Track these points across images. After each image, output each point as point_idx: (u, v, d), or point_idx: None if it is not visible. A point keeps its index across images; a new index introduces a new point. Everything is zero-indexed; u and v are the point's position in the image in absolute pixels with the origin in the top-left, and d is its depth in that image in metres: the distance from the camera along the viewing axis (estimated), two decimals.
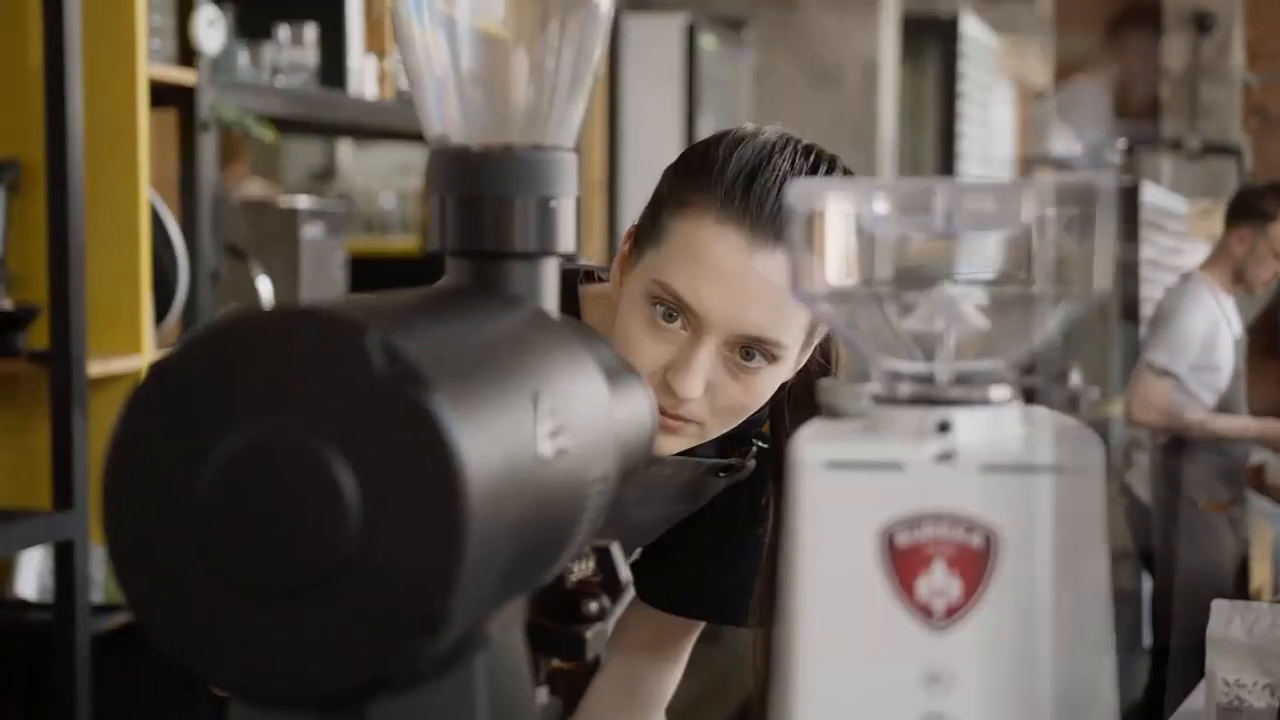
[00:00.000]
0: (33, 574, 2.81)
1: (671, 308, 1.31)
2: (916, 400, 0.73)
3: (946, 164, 7.94)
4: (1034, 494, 0.70)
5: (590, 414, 0.78)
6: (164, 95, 2.78)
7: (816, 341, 1.39)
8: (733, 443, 1.47)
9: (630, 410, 0.89)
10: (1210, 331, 4.53)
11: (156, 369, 0.66)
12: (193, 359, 0.65)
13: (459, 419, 0.64)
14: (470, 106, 0.85)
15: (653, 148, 5.10)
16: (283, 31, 3.19)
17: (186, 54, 2.81)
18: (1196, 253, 8.97)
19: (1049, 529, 0.70)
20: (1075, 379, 4.60)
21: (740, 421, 1.37)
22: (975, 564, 0.70)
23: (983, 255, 0.78)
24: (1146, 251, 7.41)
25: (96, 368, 2.54)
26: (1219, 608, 1.95)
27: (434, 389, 0.63)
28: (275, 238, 3.28)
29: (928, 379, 0.74)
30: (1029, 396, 0.75)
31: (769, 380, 1.34)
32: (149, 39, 2.70)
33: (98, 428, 2.52)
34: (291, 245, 3.25)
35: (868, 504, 0.71)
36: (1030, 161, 10.09)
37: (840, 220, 0.74)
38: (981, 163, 8.65)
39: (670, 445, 1.36)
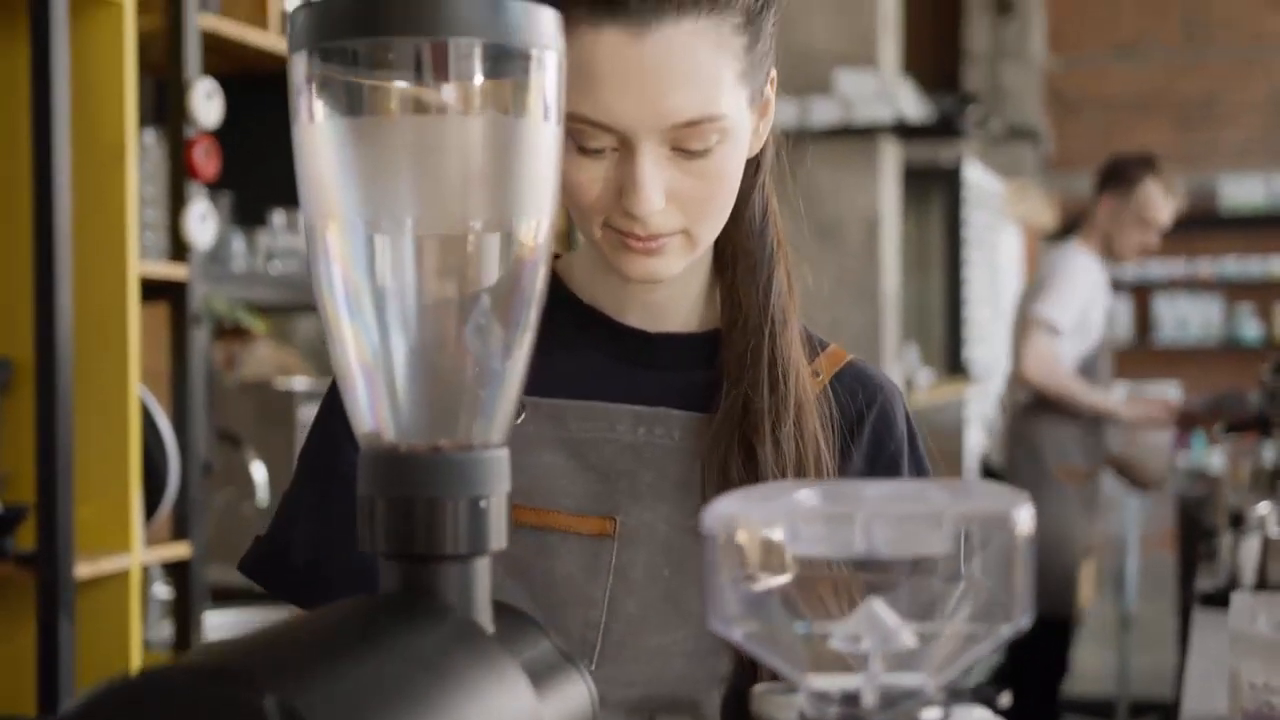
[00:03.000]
0: None
1: (588, 134, 1.19)
2: None
3: (953, 308, 7.96)
4: None
5: None
6: (156, 289, 2.80)
7: (769, 91, 1.28)
8: None
9: (562, 707, 0.87)
10: (1090, 294, 4.53)
11: None
12: None
13: None
14: (399, 405, 0.84)
15: None
16: (277, 217, 3.22)
17: (179, 247, 2.83)
18: (1010, 233, 9.04)
19: None
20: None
21: (724, 217, 1.25)
22: None
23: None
24: (967, 231, 7.49)
25: (85, 569, 2.52)
26: (1239, 601, 1.76)
27: None
28: (273, 420, 3.28)
29: (854, 698, 0.73)
30: None
31: (728, 158, 1.22)
32: (141, 234, 2.72)
33: (86, 632, 2.50)
34: (289, 428, 3.25)
35: None
36: None
37: (759, 542, 0.73)
38: (990, 306, 8.67)
39: (666, 266, 1.25)
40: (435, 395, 0.84)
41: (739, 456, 1.29)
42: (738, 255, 1.35)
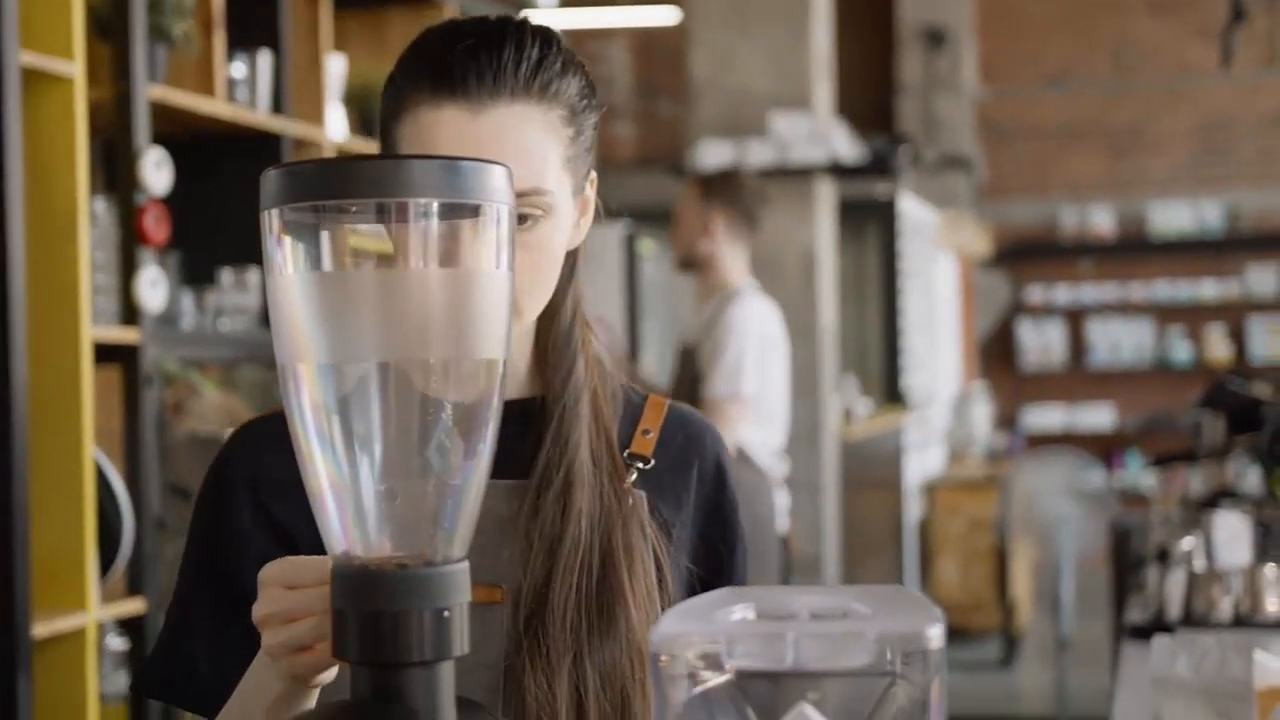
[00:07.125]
0: None
1: None
2: None
3: (890, 338, 8.07)
4: None
5: None
6: (108, 352, 2.85)
7: (590, 190, 1.35)
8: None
9: None
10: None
11: None
12: None
13: None
14: (367, 526, 0.92)
15: None
16: (226, 276, 3.28)
17: (130, 311, 2.89)
18: (945, 262, 9.25)
19: None
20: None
21: (548, 291, 1.30)
22: None
23: None
24: (902, 262, 7.62)
25: (42, 628, 2.57)
26: (1161, 644, 1.82)
27: None
28: None
29: None
30: None
31: (550, 235, 1.28)
32: (93, 300, 2.77)
33: (44, 688, 2.55)
34: None
35: None
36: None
37: (699, 657, 0.81)
38: (927, 334, 8.80)
39: None
40: (400, 515, 0.92)
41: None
42: (550, 356, 1.37)
